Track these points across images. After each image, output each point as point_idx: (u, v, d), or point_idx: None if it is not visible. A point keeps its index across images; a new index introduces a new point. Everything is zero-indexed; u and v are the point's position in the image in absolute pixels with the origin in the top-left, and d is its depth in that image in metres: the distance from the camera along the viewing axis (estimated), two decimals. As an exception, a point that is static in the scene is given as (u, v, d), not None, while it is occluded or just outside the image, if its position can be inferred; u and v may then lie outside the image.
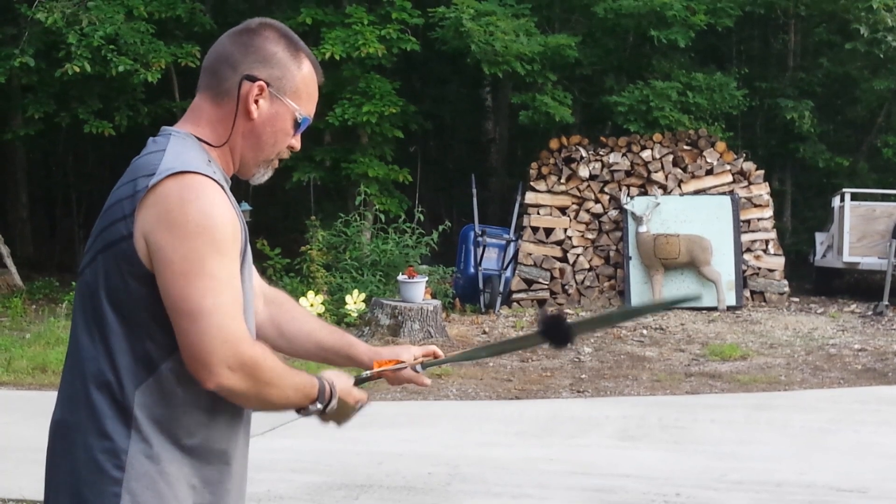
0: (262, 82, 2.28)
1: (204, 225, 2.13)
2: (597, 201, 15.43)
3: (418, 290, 11.86)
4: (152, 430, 2.19)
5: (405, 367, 2.74)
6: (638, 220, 14.84)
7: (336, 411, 2.36)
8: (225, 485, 2.31)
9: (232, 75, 2.29)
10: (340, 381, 2.39)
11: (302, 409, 2.32)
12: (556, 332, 2.51)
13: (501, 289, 14.67)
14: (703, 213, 15.05)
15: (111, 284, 2.19)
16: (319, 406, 2.32)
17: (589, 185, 15.44)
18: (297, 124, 2.35)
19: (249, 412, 2.39)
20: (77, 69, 14.64)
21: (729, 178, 15.54)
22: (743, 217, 15.34)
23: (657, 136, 15.59)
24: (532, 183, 15.49)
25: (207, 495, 2.27)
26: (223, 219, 2.15)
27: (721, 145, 15.75)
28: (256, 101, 2.29)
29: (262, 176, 2.40)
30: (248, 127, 2.30)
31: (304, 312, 2.72)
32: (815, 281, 17.30)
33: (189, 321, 2.11)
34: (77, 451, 2.20)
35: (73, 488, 2.20)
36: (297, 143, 2.39)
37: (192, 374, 2.14)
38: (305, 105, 2.36)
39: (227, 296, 2.14)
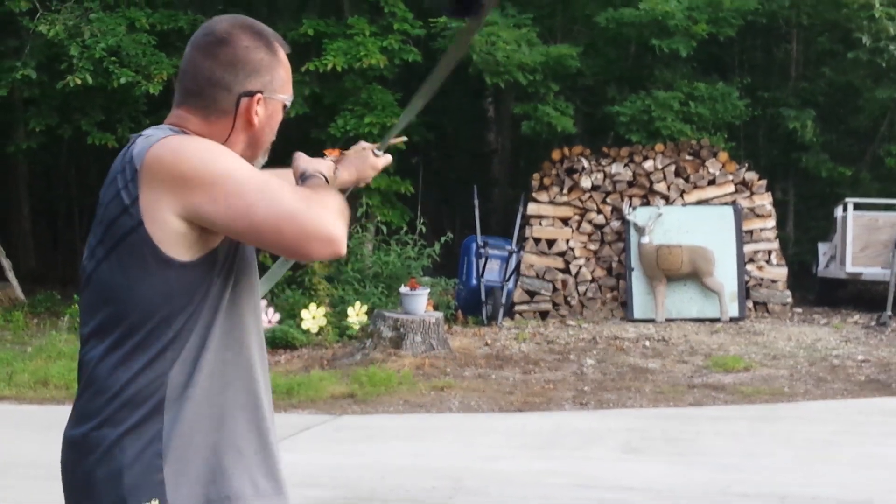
0: (259, 95, 2.35)
1: (207, 157, 2.18)
2: (599, 212, 15.42)
3: (420, 301, 11.84)
4: (186, 407, 2.21)
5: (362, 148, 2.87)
6: (640, 231, 14.82)
7: None
8: (268, 437, 2.37)
9: (227, 96, 2.33)
10: (316, 164, 2.54)
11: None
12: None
13: (504, 300, 14.65)
14: (705, 224, 15.03)
15: (124, 279, 2.21)
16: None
17: (591, 196, 15.42)
18: (285, 108, 2.46)
19: (263, 366, 2.41)
20: (79, 81, 14.65)
21: (731, 188, 15.53)
22: (745, 227, 15.33)
23: (659, 147, 15.58)
24: (534, 194, 15.48)
25: (255, 456, 2.32)
26: (214, 143, 2.24)
27: (723, 155, 15.74)
28: (257, 113, 2.35)
29: (260, 164, 2.46)
30: (249, 134, 2.38)
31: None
32: (818, 291, 17.27)
33: (274, 226, 2.13)
34: (108, 458, 2.19)
35: (114, 495, 2.19)
36: None
37: (318, 256, 2.17)
38: (289, 88, 2.45)
39: (272, 180, 2.19)
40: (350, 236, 14.75)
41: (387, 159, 2.94)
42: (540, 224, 15.42)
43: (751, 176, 15.73)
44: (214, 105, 2.33)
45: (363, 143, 2.91)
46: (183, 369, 2.21)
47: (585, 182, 15.40)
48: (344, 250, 2.17)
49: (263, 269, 2.65)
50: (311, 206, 2.14)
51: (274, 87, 2.38)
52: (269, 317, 12.37)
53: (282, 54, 2.40)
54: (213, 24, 2.39)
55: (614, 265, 15.31)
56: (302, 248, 2.14)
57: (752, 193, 15.60)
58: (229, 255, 2.27)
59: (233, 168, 2.16)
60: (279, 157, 2.52)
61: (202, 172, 2.14)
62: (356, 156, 2.85)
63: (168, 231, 2.16)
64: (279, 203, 2.12)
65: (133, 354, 2.20)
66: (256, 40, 2.36)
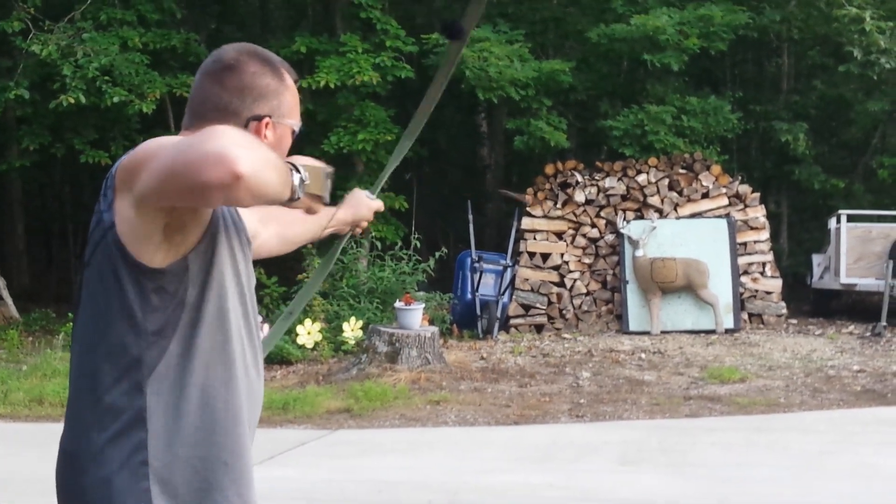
0: (267, 119, 2.37)
1: (151, 143, 2.15)
2: (593, 226, 15.44)
3: (416, 316, 11.84)
4: (172, 419, 2.23)
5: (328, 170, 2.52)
6: (634, 244, 14.85)
7: (312, 182, 2.24)
8: (250, 452, 2.36)
9: (235, 121, 2.33)
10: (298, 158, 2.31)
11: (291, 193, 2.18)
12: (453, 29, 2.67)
13: (499, 314, 14.65)
14: (699, 237, 15.06)
15: (100, 283, 2.24)
16: (299, 178, 2.17)
17: (585, 210, 15.45)
18: (294, 134, 2.46)
19: (247, 371, 2.39)
20: (72, 100, 14.67)
21: (725, 200, 15.56)
22: (739, 240, 15.35)
23: (652, 160, 15.62)
24: (528, 208, 15.50)
25: (242, 469, 2.32)
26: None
27: (716, 168, 15.77)
28: (265, 136, 2.37)
29: None
30: None
31: (292, 215, 2.80)
32: (813, 303, 17.30)
33: (170, 167, 1.98)
34: (97, 464, 2.21)
35: (103, 502, 2.20)
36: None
37: (212, 180, 1.91)
38: (297, 114, 2.47)
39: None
40: (344, 252, 14.82)
41: (380, 203, 3.05)
42: (534, 238, 15.44)
43: (744, 189, 15.77)
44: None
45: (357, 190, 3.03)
46: (164, 381, 2.23)
47: (579, 196, 15.42)
48: (242, 168, 1.90)
49: (259, 285, 2.68)
50: (202, 137, 1.95)
51: (282, 111, 2.40)
52: (264, 332, 12.33)
53: (289, 80, 2.44)
54: (221, 51, 2.42)
55: (609, 278, 15.33)
56: (194, 177, 1.92)
57: (746, 206, 15.63)
58: (204, 267, 2.26)
59: (165, 141, 2.12)
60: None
61: (144, 155, 2.12)
62: (352, 197, 2.99)
63: (135, 231, 2.18)
64: (176, 145, 2.00)
65: (109, 361, 2.23)
66: (263, 66, 2.39)
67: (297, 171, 2.18)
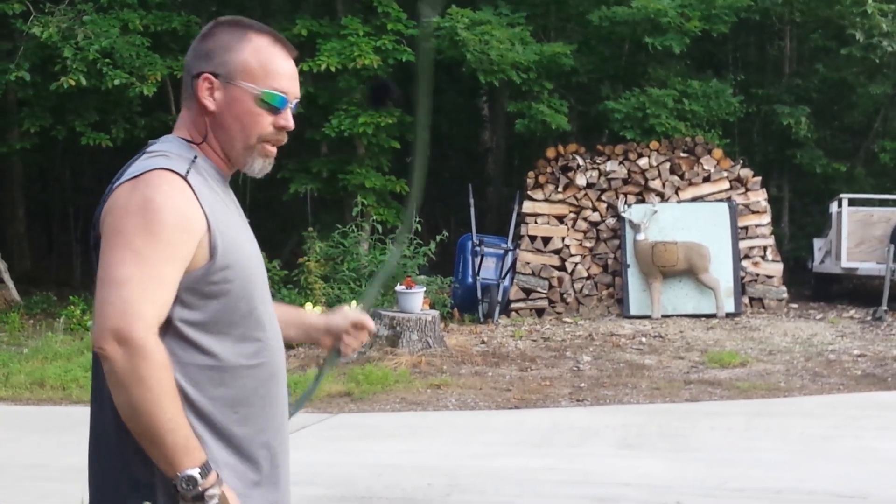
0: (206, 74, 2.30)
1: (144, 207, 2.15)
2: (594, 209, 15.43)
3: (416, 300, 11.84)
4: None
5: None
6: (636, 228, 14.84)
7: None
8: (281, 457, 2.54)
9: (189, 80, 2.34)
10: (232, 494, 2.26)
11: (174, 479, 2.15)
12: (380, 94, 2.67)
13: (500, 298, 14.65)
14: (700, 221, 15.05)
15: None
16: (196, 473, 2.15)
17: (586, 194, 15.44)
18: (264, 103, 2.31)
19: (274, 381, 2.49)
20: (73, 83, 14.65)
21: (726, 184, 15.55)
22: (741, 224, 15.34)
23: (654, 144, 15.60)
24: (529, 192, 15.49)
25: (262, 482, 2.45)
26: (168, 204, 2.15)
27: (718, 152, 15.75)
28: (212, 95, 2.30)
29: (253, 165, 2.37)
30: (212, 120, 2.32)
31: None
32: (814, 287, 17.30)
33: (99, 287, 2.13)
34: (120, 448, 2.21)
35: (120, 484, 2.23)
36: (284, 121, 2.35)
37: (99, 350, 2.10)
38: (266, 81, 2.31)
39: (144, 273, 2.11)
40: (346, 235, 14.82)
41: (364, 318, 2.92)
42: (535, 222, 15.43)
43: (745, 172, 15.75)
44: (186, 92, 2.35)
45: None
46: (185, 386, 2.24)
47: (580, 180, 15.41)
48: (94, 347, 2.11)
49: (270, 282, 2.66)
50: (113, 302, 2.10)
51: (229, 70, 2.30)
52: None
53: (255, 42, 2.32)
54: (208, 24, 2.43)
55: (610, 262, 15.33)
56: (94, 312, 2.15)
57: (747, 190, 15.62)
58: (204, 277, 2.23)
59: (145, 234, 2.13)
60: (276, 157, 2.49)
61: (130, 209, 2.15)
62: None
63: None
64: (116, 288, 2.11)
65: None
66: (228, 27, 2.35)
67: (211, 485, 2.18)
